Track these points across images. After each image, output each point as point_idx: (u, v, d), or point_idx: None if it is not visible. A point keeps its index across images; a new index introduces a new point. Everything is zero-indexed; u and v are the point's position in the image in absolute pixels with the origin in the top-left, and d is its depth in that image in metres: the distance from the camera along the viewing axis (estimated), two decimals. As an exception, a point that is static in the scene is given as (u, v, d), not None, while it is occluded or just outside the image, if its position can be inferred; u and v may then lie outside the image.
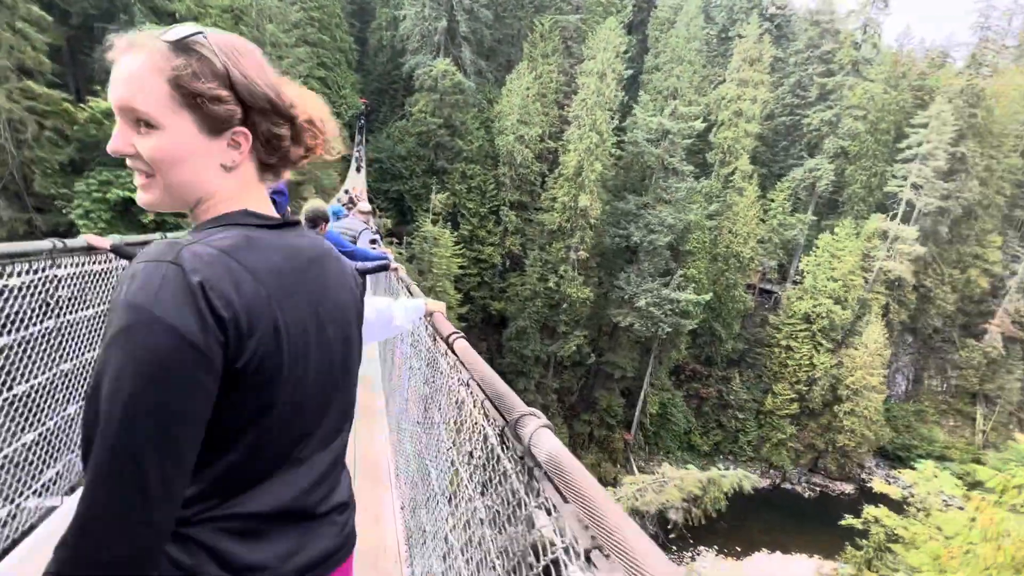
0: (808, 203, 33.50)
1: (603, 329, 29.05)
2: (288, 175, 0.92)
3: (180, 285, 0.63)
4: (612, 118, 26.96)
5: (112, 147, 0.76)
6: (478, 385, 1.33)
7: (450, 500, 1.78)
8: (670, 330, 25.46)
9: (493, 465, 1.20)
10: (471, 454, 1.41)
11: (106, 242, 2.68)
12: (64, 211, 19.29)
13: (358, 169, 29.92)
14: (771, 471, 28.93)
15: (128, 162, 0.79)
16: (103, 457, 0.60)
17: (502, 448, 1.14)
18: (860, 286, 29.35)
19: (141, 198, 0.79)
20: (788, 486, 28.39)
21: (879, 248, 30.47)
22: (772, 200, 32.53)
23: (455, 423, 1.66)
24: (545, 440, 0.92)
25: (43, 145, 19.35)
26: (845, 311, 28.51)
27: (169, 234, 2.39)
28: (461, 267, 25.56)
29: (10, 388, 2.14)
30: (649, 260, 26.67)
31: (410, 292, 3.07)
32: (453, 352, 1.67)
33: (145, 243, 3.40)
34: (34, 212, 19.63)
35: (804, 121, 33.88)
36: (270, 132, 0.82)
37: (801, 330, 29.24)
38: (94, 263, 2.76)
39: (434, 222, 24.54)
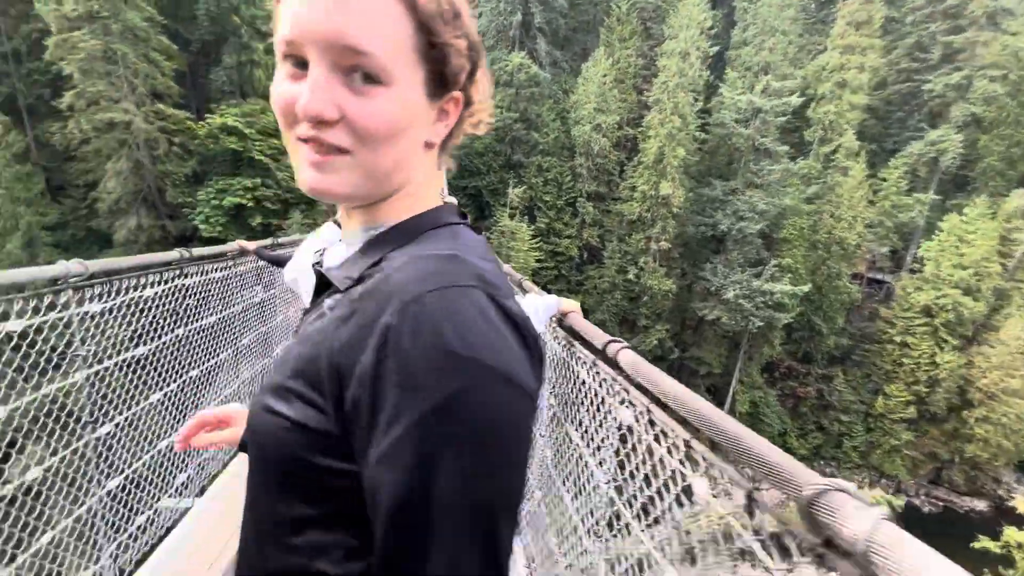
0: (929, 181, 29.48)
1: (687, 323, 27.73)
2: None
3: (507, 324, 0.50)
4: (695, 100, 25.45)
5: (311, 108, 0.51)
6: (682, 421, 0.98)
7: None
8: (762, 324, 23.72)
9: (716, 536, 0.84)
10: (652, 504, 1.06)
11: (252, 246, 3.00)
12: (189, 217, 21.87)
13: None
14: (882, 480, 26.09)
15: (308, 131, 0.53)
16: (459, 542, 0.47)
17: (746, 519, 0.79)
18: (997, 274, 25.38)
19: (317, 181, 0.55)
20: (905, 498, 25.44)
21: (1023, 229, 26.13)
22: (884, 179, 28.98)
23: (616, 453, 1.37)
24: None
25: (171, 160, 21.95)
26: (977, 303, 24.81)
27: (285, 237, 2.61)
28: (538, 260, 25.57)
29: (146, 397, 2.31)
30: (738, 249, 24.99)
31: (523, 289, 2.65)
32: (615, 367, 1.38)
33: (279, 245, 3.86)
34: (166, 219, 22.39)
35: (924, 88, 29.76)
36: (471, 99, 0.62)
37: (920, 324, 25.92)
38: (241, 264, 3.11)
39: (511, 216, 24.74)
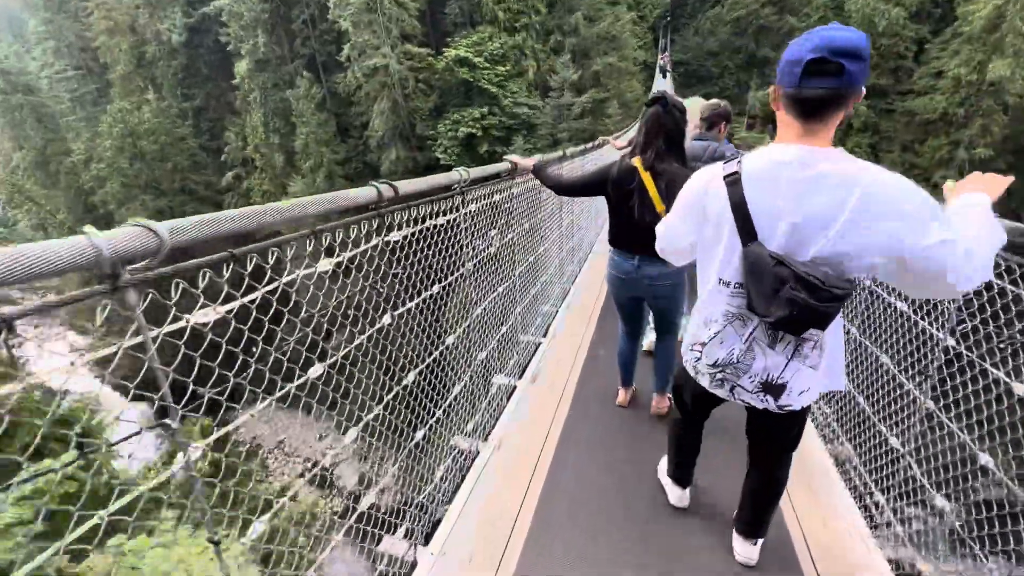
0: None
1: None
2: None
3: None
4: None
5: None
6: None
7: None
8: None
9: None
10: None
11: (528, 162, 2.84)
12: (432, 149, 24.78)
13: (664, 75, 27.81)
14: None
15: None
16: None
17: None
18: None
19: None
20: None
21: None
22: None
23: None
24: None
25: (418, 96, 24.67)
26: None
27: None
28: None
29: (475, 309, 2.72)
30: None
31: None
32: None
33: (560, 160, 4.09)
34: (416, 151, 25.84)
35: None
36: None
37: None
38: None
39: (750, 127, 20.97)
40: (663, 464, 2.32)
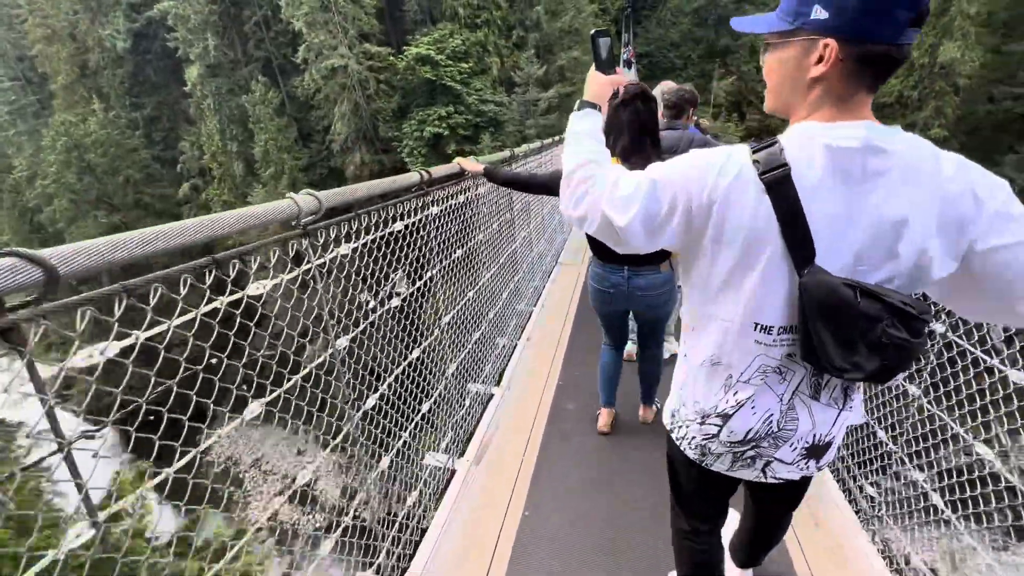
0: None
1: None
2: None
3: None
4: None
5: None
6: None
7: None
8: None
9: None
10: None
11: (478, 167, 2.58)
12: (398, 150, 24.23)
13: (628, 68, 27.86)
14: None
15: None
16: None
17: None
18: None
19: None
20: None
21: None
22: None
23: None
24: None
25: (380, 97, 24.10)
26: None
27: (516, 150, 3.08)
28: (747, 167, 21.71)
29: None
30: (1072, 130, 17.14)
31: None
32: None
33: (507, 162, 3.78)
34: (382, 154, 25.21)
35: None
36: None
37: None
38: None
39: (715, 115, 21.15)
40: None
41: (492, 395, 2.99)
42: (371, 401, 1.68)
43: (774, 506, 1.40)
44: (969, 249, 0.81)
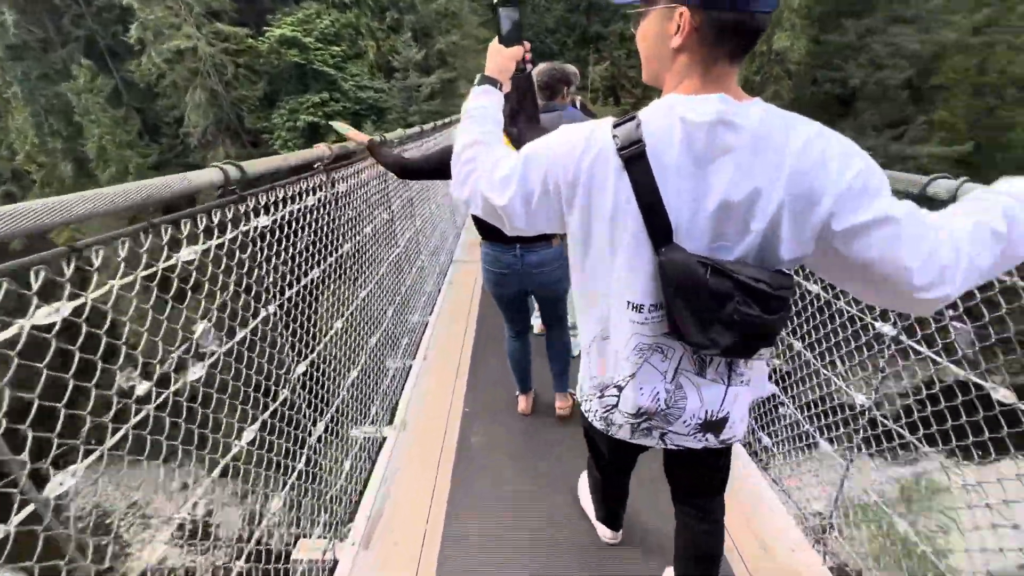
0: None
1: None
2: None
3: None
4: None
5: None
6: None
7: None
8: (901, 198, 20.08)
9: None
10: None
11: (363, 137, 2.34)
12: (270, 143, 22.02)
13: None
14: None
15: None
16: None
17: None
18: None
19: None
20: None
21: None
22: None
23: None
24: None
25: (242, 83, 21.67)
26: None
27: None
28: (625, 148, 23.09)
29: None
30: (874, 107, 20.61)
31: None
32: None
33: (389, 143, 3.36)
34: (250, 147, 22.74)
35: None
36: None
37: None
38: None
39: (593, 100, 22.12)
40: (584, 491, 1.97)
41: (385, 438, 2.48)
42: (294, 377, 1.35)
43: (695, 490, 1.36)
44: (826, 227, 0.78)
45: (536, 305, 2.69)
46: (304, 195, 1.59)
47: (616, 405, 1.07)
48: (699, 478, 1.31)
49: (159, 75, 20.74)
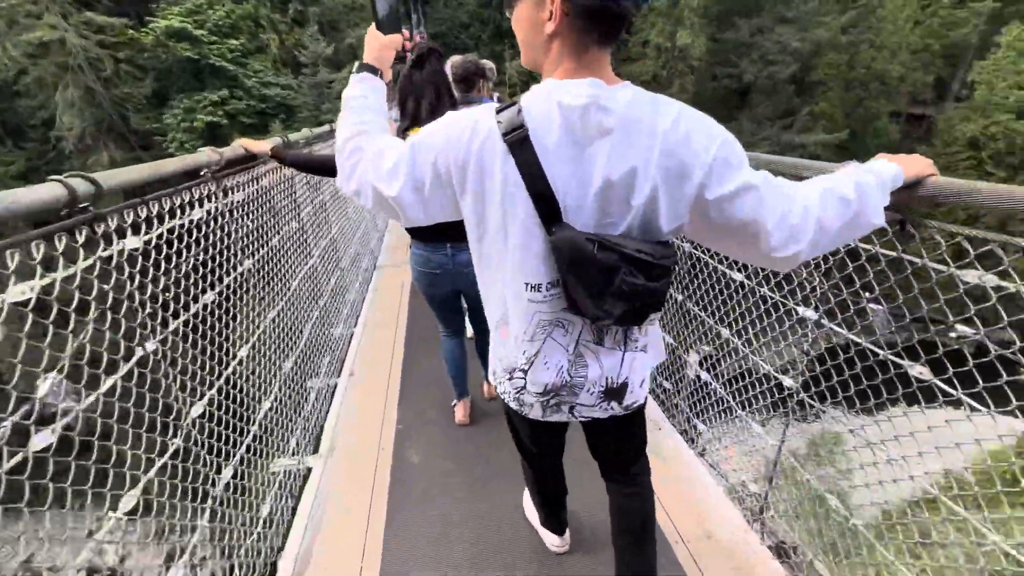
0: (986, -14, 25.36)
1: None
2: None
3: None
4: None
5: None
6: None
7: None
8: (793, 182, 22.15)
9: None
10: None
11: (265, 145, 2.12)
12: (164, 145, 19.95)
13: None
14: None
15: None
16: None
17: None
18: (1058, 90, 22.73)
19: None
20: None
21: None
22: (933, -9, 25.00)
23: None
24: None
25: (125, 80, 19.47)
26: (1030, 127, 22.56)
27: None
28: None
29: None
30: (767, 100, 22.49)
31: None
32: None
33: (293, 144, 3.08)
34: (140, 150, 20.50)
35: None
36: None
37: (964, 159, 24.00)
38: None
39: (511, 95, 22.22)
40: (528, 503, 1.91)
41: (310, 469, 2.27)
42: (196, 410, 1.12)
43: (617, 459, 1.43)
44: (700, 198, 0.87)
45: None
46: (188, 208, 1.35)
47: (524, 387, 1.12)
48: (618, 445, 1.38)
49: (19, 71, 18.07)
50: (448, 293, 2.22)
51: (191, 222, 1.38)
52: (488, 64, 2.74)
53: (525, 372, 1.09)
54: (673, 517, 1.94)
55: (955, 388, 1.17)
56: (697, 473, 2.17)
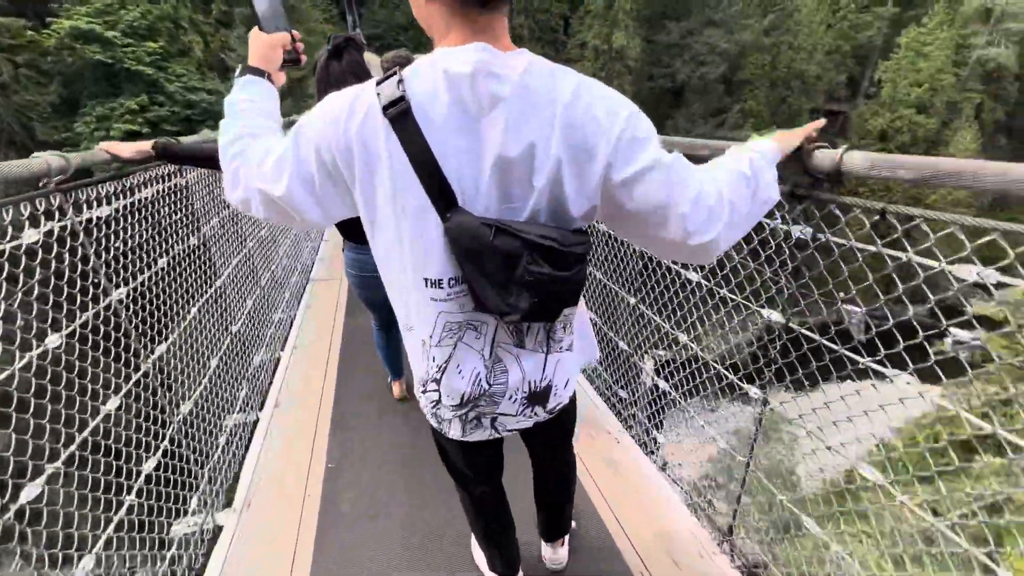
0: (887, -8, 27.66)
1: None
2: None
3: None
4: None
5: None
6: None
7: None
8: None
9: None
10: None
11: (144, 145, 1.78)
12: (73, 157, 18.21)
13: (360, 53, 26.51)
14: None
15: None
16: None
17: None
18: (951, 86, 25.10)
19: None
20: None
21: (980, 34, 25.37)
22: (841, -5, 26.97)
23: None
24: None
25: (26, 87, 17.73)
26: (930, 120, 24.79)
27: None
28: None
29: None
30: (700, 99, 23.44)
31: None
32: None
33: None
34: (45, 164, 18.63)
35: None
36: None
37: (876, 151, 25.92)
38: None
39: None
40: (476, 546, 1.71)
41: (220, 528, 1.93)
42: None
43: (543, 449, 1.41)
44: (607, 178, 0.79)
45: None
46: (15, 229, 1.05)
47: (439, 400, 1.01)
48: (553, 441, 1.37)
49: None
50: (385, 297, 2.00)
51: (23, 246, 1.07)
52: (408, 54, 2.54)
53: (438, 382, 0.98)
54: (637, 537, 1.79)
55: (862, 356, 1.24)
56: (659, 487, 2.05)
